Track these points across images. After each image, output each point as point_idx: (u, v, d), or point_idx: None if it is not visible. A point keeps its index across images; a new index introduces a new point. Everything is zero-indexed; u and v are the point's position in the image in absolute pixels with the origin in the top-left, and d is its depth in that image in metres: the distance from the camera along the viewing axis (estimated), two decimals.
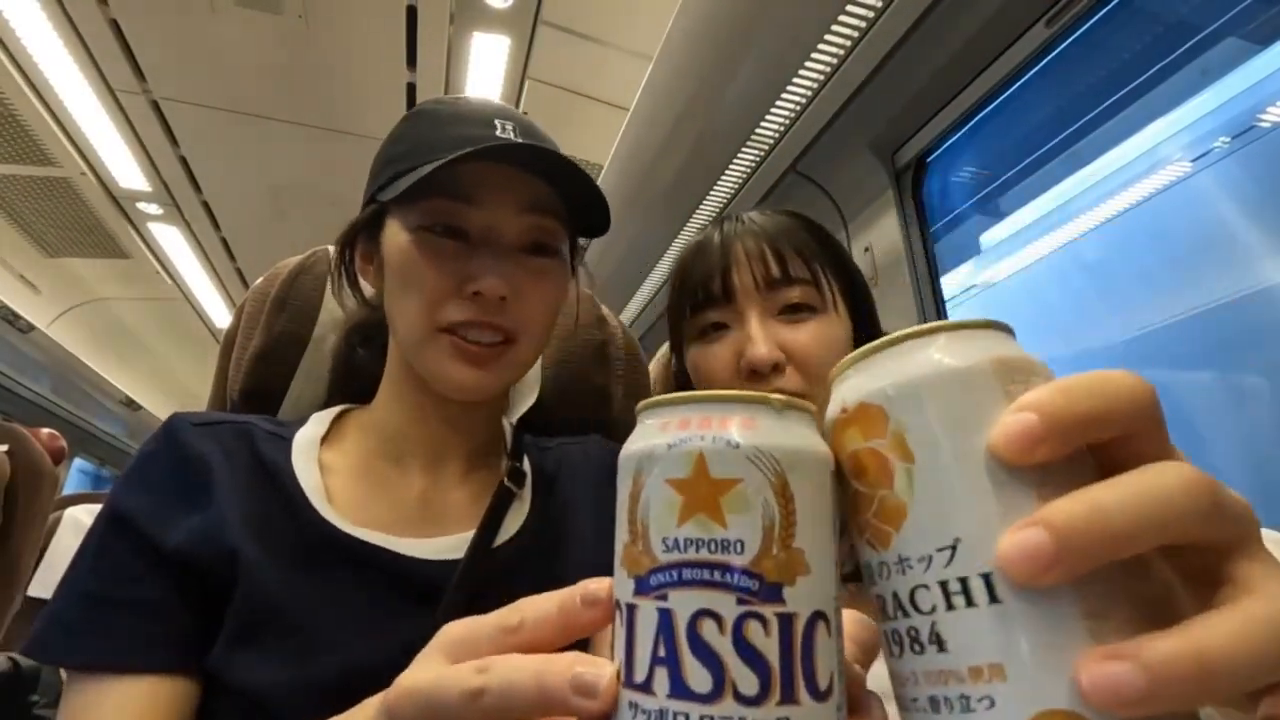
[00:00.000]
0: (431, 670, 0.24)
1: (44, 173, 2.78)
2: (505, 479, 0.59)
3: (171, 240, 3.38)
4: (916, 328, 0.22)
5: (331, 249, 0.65)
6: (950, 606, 0.19)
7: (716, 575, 0.19)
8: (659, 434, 0.21)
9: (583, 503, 0.64)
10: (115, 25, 2.07)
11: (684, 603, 0.19)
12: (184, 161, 2.77)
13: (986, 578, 0.19)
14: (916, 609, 0.20)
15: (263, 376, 0.71)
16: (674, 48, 1.47)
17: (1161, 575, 0.21)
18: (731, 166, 1.66)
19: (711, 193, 1.78)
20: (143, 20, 2.07)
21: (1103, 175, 1.50)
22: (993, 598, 0.19)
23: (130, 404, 5.17)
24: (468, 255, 0.54)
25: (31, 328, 3.76)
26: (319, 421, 0.61)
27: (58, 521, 1.78)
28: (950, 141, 1.48)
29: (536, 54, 2.14)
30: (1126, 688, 0.17)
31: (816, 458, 0.21)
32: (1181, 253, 1.50)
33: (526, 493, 0.61)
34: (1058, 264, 1.68)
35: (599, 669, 0.21)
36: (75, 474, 5.40)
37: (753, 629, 0.19)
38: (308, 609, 0.48)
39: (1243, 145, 1.30)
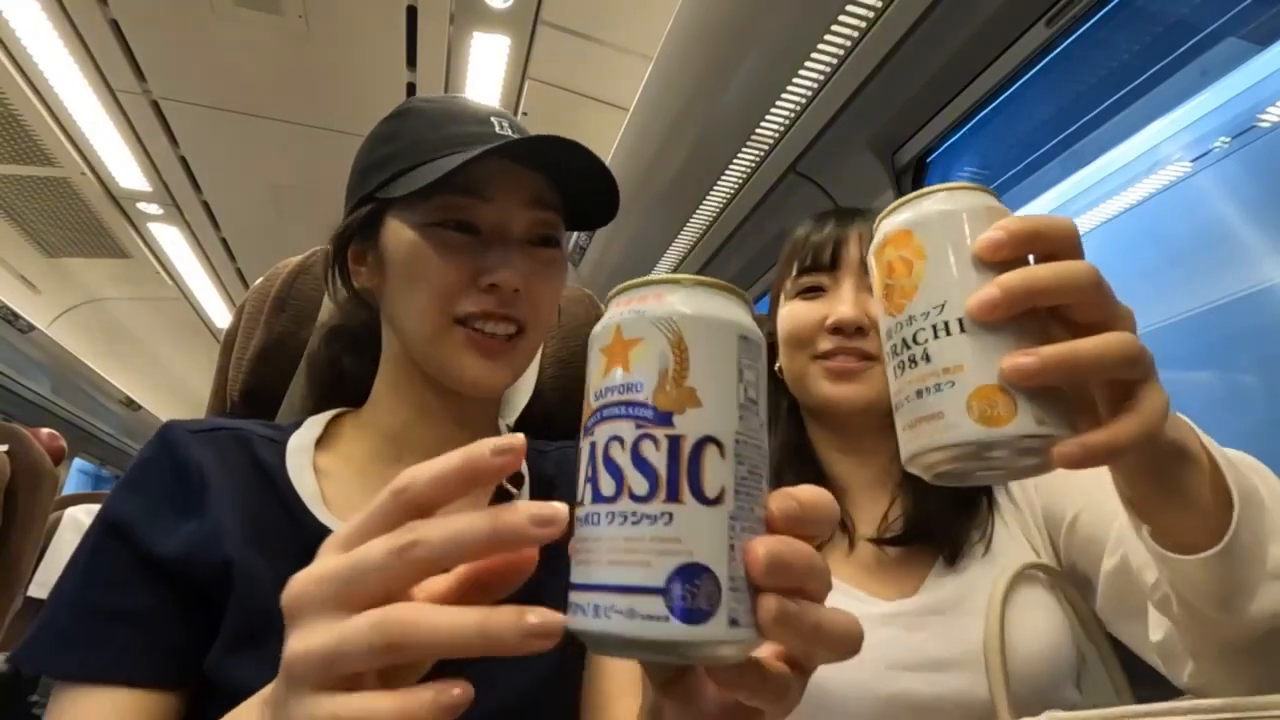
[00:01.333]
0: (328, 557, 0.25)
1: (44, 173, 2.78)
2: (504, 481, 0.59)
3: (171, 240, 3.38)
4: (933, 186, 0.36)
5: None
6: (935, 336, 0.33)
7: (623, 410, 0.25)
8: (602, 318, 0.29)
9: None
10: (115, 25, 2.07)
11: (602, 433, 0.25)
12: (184, 161, 2.77)
13: (960, 320, 0.33)
14: (915, 343, 0.34)
15: (263, 376, 0.71)
16: (674, 48, 1.47)
17: (1060, 334, 0.34)
18: (731, 166, 1.66)
19: (711, 193, 1.78)
20: (143, 20, 2.07)
21: (1103, 175, 1.50)
22: (962, 329, 0.33)
23: (130, 404, 5.18)
24: (479, 249, 0.55)
25: (31, 328, 3.76)
26: (314, 425, 0.61)
27: (58, 521, 1.78)
28: (950, 141, 1.48)
29: (536, 54, 2.14)
30: (1026, 366, 0.31)
31: (715, 322, 0.26)
32: (1181, 252, 1.49)
33: (525, 495, 0.61)
34: None
35: (555, 506, 0.24)
36: (75, 474, 5.40)
37: (646, 446, 0.24)
38: None
39: (1243, 145, 1.30)
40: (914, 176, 1.54)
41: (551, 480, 0.64)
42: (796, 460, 0.76)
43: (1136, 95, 1.34)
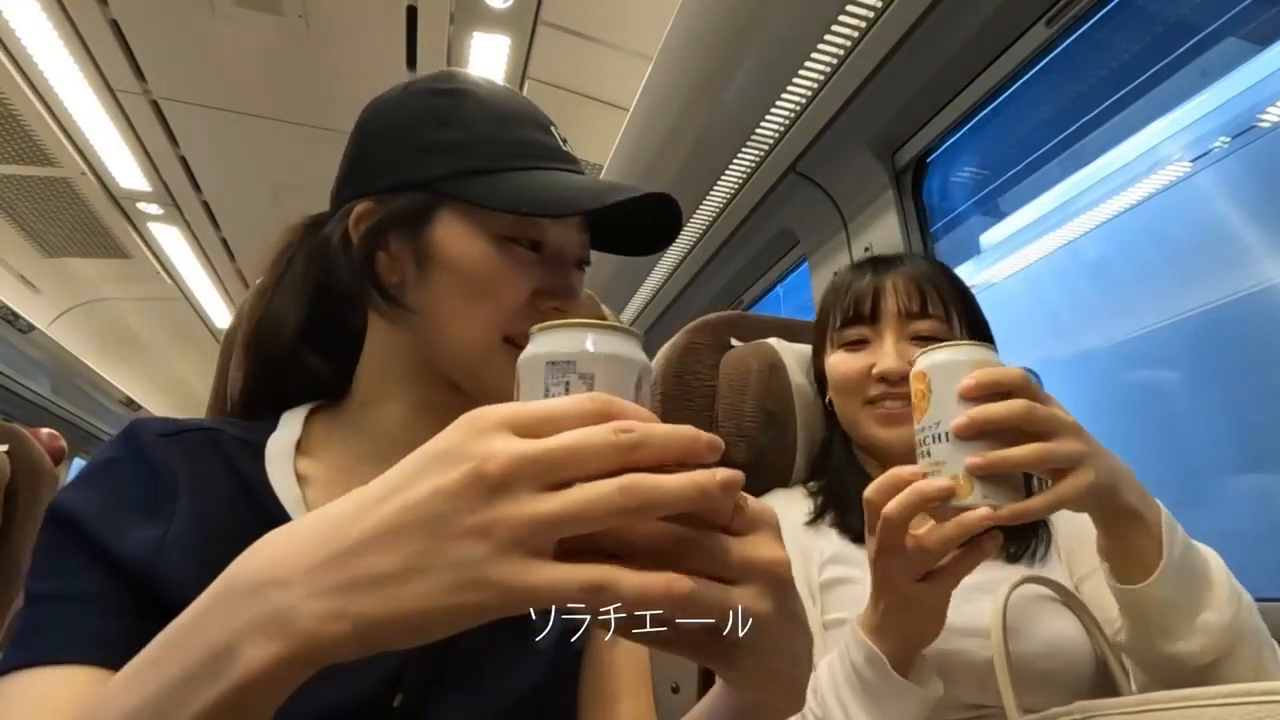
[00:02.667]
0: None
1: (44, 173, 2.78)
2: None
3: (171, 240, 3.38)
4: (945, 343, 0.58)
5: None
6: (935, 442, 0.53)
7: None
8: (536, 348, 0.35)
9: None
10: (115, 25, 2.07)
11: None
12: (184, 161, 2.77)
13: (948, 433, 0.52)
14: (924, 443, 0.54)
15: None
16: (674, 48, 1.47)
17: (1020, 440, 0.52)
18: (731, 166, 1.66)
19: (711, 193, 1.78)
20: (143, 20, 2.07)
21: (1103, 175, 1.50)
22: (947, 439, 0.52)
23: (130, 404, 5.18)
24: (541, 268, 0.55)
25: (31, 328, 3.76)
26: (291, 425, 0.57)
27: None
28: (950, 141, 1.48)
29: (536, 54, 2.14)
30: (973, 464, 0.50)
31: (619, 359, 0.33)
32: (1181, 252, 1.49)
33: None
34: (1058, 264, 1.68)
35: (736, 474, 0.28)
36: (75, 474, 5.40)
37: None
38: None
39: (1243, 145, 1.30)
40: (914, 176, 1.54)
41: None
42: (855, 473, 0.84)
43: (1136, 95, 1.35)
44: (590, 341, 0.33)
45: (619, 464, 0.26)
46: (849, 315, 0.84)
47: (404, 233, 0.54)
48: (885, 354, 0.80)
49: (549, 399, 0.31)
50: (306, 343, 0.59)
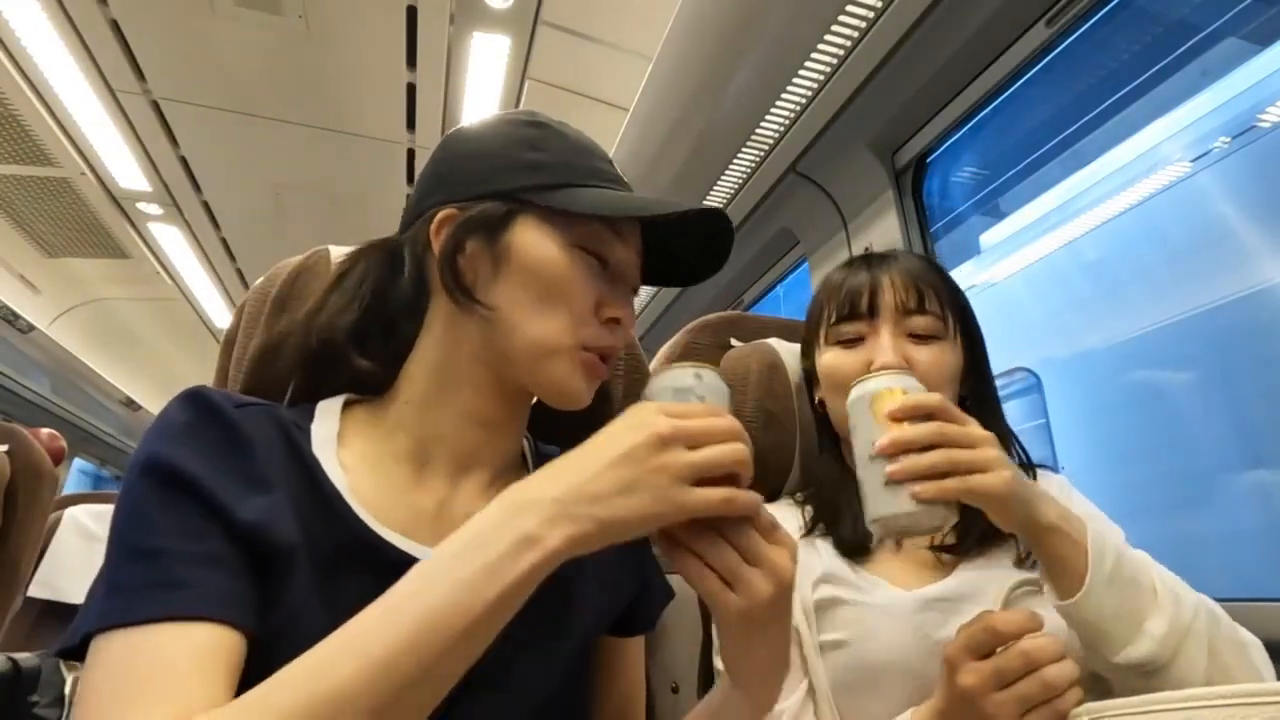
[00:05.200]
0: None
1: (44, 173, 2.78)
2: None
3: (171, 240, 3.38)
4: (873, 372, 0.67)
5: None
6: (869, 461, 0.58)
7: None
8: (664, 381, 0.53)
9: None
10: (115, 25, 2.07)
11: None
12: (184, 161, 2.77)
13: (872, 454, 0.58)
14: (860, 461, 0.60)
15: (262, 377, 0.71)
16: (674, 48, 1.47)
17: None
18: (731, 166, 1.66)
19: (711, 193, 1.78)
20: (143, 20, 2.07)
21: (1103, 175, 1.50)
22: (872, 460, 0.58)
23: (130, 404, 5.17)
24: (604, 281, 0.59)
25: (31, 328, 3.76)
26: (330, 416, 0.58)
27: (58, 521, 1.78)
28: (950, 141, 1.48)
29: (536, 54, 2.14)
30: (897, 471, 0.56)
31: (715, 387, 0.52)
32: (1181, 252, 1.49)
33: None
34: (1058, 264, 1.68)
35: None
36: (75, 474, 5.40)
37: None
38: (343, 610, 0.43)
39: (1243, 145, 1.30)
40: (914, 176, 1.54)
41: None
42: (843, 487, 0.82)
43: (1136, 95, 1.35)
44: (704, 375, 0.52)
45: (730, 438, 0.45)
46: (844, 312, 0.82)
47: (483, 235, 0.57)
48: (883, 349, 0.78)
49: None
50: (355, 344, 0.61)
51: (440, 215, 0.58)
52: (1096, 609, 0.58)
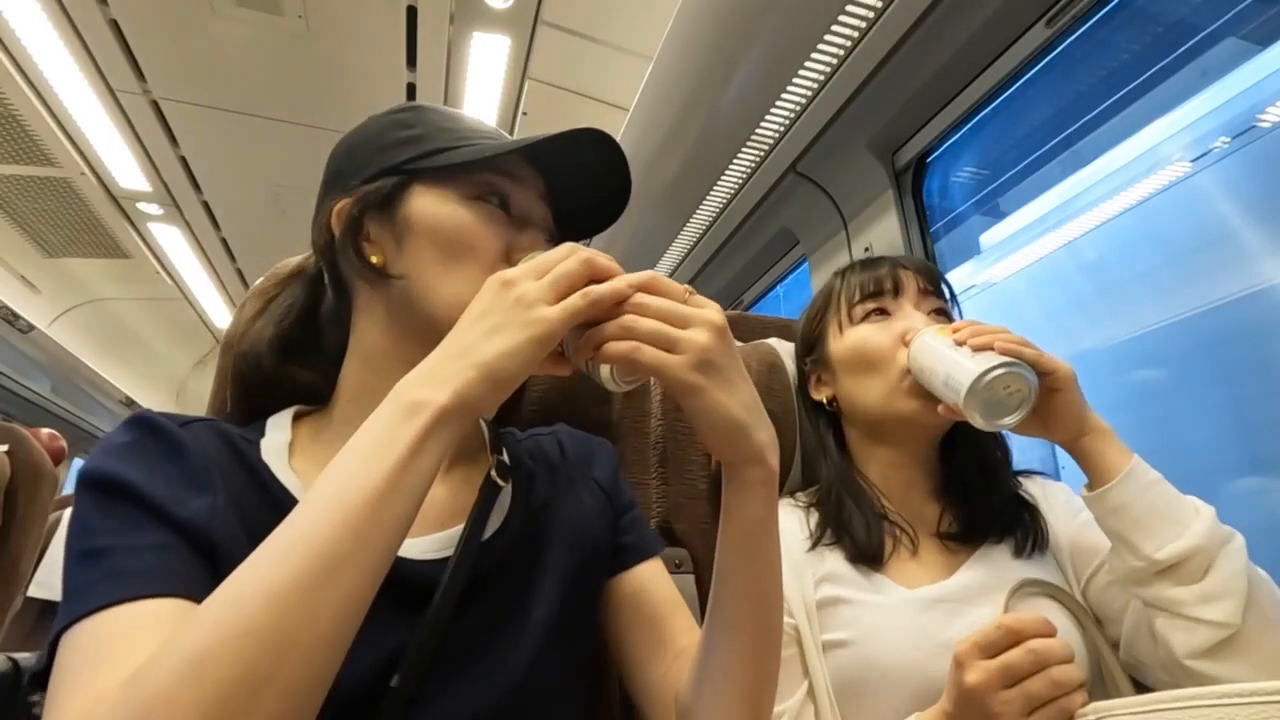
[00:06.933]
0: None
1: (44, 173, 2.78)
2: (492, 472, 0.59)
3: (171, 240, 3.38)
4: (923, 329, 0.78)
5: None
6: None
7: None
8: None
9: (563, 490, 0.65)
10: (115, 25, 2.07)
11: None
12: (184, 161, 2.77)
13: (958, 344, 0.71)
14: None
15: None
16: (674, 48, 1.47)
17: None
18: (731, 166, 1.66)
19: (711, 193, 1.78)
20: (143, 20, 2.07)
21: (1103, 175, 1.50)
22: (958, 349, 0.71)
23: (130, 404, 5.17)
24: (510, 227, 0.59)
25: (31, 328, 3.76)
26: (278, 428, 0.59)
27: (58, 521, 1.78)
28: (950, 141, 1.48)
29: (536, 54, 2.14)
30: (1003, 348, 0.67)
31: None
32: (1181, 252, 1.49)
33: (509, 486, 0.61)
34: (1058, 264, 1.68)
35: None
36: (75, 474, 5.39)
37: None
38: None
39: (1243, 145, 1.30)
40: (914, 176, 1.54)
41: (530, 469, 0.65)
42: (853, 487, 0.81)
43: (1136, 95, 1.35)
44: None
45: (569, 254, 0.47)
46: (870, 289, 0.84)
47: (379, 212, 0.58)
48: (917, 317, 0.81)
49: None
50: (288, 358, 0.63)
51: (336, 208, 0.59)
52: (1140, 495, 0.63)
